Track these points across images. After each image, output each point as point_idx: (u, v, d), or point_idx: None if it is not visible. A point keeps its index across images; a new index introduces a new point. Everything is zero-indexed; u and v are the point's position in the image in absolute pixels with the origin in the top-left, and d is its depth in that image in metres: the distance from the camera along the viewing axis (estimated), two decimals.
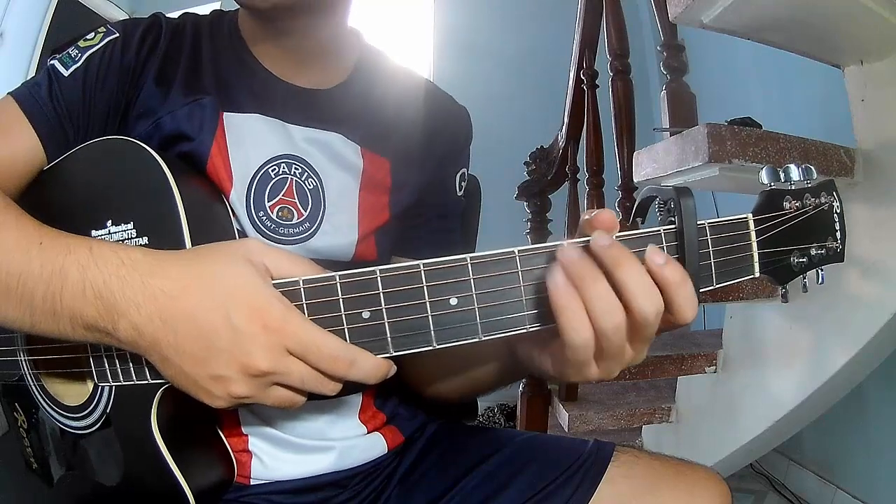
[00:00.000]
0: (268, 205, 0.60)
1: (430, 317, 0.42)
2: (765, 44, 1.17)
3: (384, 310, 0.42)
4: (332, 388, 0.44)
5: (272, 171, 0.61)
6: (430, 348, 0.42)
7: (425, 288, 0.41)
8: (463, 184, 0.73)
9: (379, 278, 0.42)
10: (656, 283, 0.40)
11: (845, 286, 1.15)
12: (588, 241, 0.41)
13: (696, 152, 1.04)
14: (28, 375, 0.61)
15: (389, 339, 0.42)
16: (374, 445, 0.68)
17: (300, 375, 0.43)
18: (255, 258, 0.44)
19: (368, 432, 0.68)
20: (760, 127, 1.20)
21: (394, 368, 0.45)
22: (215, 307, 0.41)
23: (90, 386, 0.55)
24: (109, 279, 0.42)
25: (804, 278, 0.48)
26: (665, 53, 1.51)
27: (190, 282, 0.42)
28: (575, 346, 0.40)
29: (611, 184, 1.66)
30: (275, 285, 0.43)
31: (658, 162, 1.20)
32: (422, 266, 0.42)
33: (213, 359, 0.42)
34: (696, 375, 1.47)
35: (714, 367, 1.46)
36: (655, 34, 1.85)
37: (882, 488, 1.57)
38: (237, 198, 0.60)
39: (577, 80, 1.82)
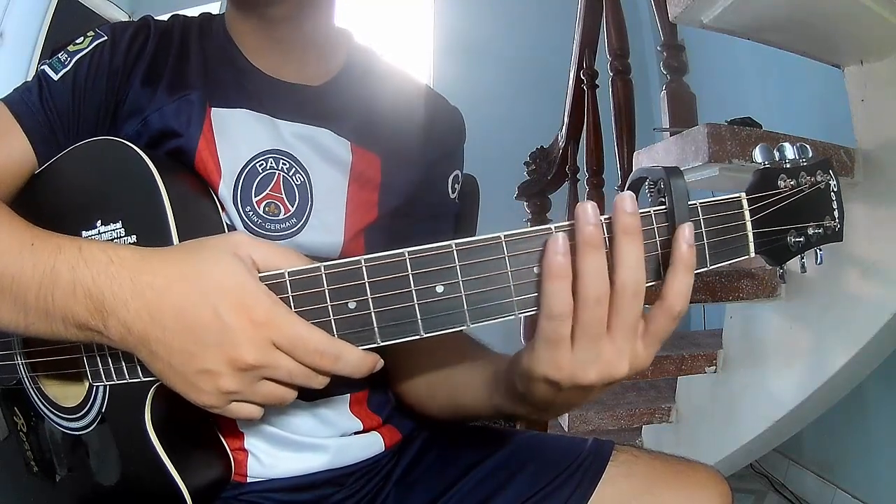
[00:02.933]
0: (255, 200, 0.60)
1: (416, 305, 0.41)
2: (765, 44, 1.17)
3: (370, 299, 0.42)
4: (321, 381, 0.44)
5: (259, 166, 0.61)
6: (418, 337, 0.42)
7: (411, 276, 0.41)
8: (457, 186, 0.73)
9: (364, 268, 0.42)
10: (673, 258, 0.40)
11: (845, 286, 1.15)
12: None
13: (696, 152, 1.04)
14: (25, 379, 0.61)
15: (376, 328, 0.42)
16: (371, 444, 0.68)
17: (288, 369, 0.43)
18: (242, 251, 0.44)
19: (365, 430, 0.68)
20: (760, 127, 1.20)
21: (380, 363, 0.45)
22: (203, 302, 0.42)
23: (86, 386, 0.55)
24: (98, 277, 0.43)
25: (802, 258, 0.47)
26: (665, 53, 1.51)
27: (177, 277, 0.42)
28: (553, 316, 0.40)
29: (611, 184, 1.66)
30: (261, 278, 0.43)
31: (658, 162, 1.20)
32: (406, 254, 0.41)
33: (201, 353, 0.42)
34: (696, 375, 1.47)
35: (714, 367, 1.45)
36: (655, 34, 1.86)
37: (882, 488, 1.57)
38: (226, 191, 0.60)
39: (577, 80, 1.82)
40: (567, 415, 1.48)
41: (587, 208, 0.40)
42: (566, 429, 1.48)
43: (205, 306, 0.42)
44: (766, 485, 1.93)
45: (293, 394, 0.45)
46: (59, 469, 0.60)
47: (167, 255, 0.44)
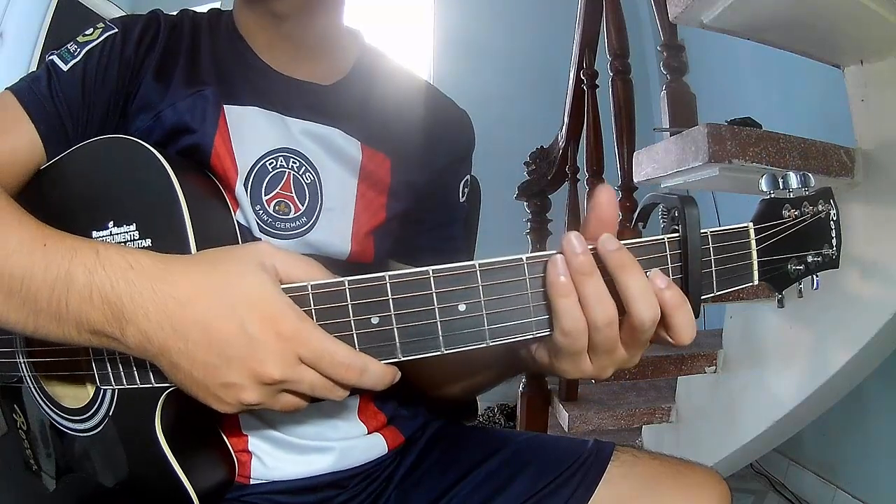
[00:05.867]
0: (265, 199, 0.60)
1: (438, 322, 0.42)
2: (765, 44, 1.17)
3: (393, 315, 0.42)
4: (341, 394, 0.44)
5: (269, 164, 0.61)
6: (439, 353, 0.43)
7: (434, 294, 0.42)
8: (466, 190, 0.73)
9: (388, 284, 0.42)
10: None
11: (845, 286, 1.15)
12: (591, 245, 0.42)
13: (696, 152, 1.04)
14: (27, 377, 0.60)
15: (398, 344, 0.43)
16: (374, 446, 0.68)
17: (311, 383, 0.43)
18: (267, 262, 0.43)
19: (369, 432, 0.68)
20: (760, 127, 1.20)
21: (398, 375, 0.45)
22: (228, 315, 0.41)
23: (91, 389, 0.55)
24: (117, 284, 0.42)
25: (800, 284, 0.50)
26: (665, 53, 1.51)
27: (201, 288, 0.42)
28: (568, 333, 0.42)
29: (611, 184, 1.64)
30: (284, 290, 0.43)
31: (658, 162, 1.20)
32: (431, 272, 0.42)
33: (225, 366, 0.41)
34: (696, 375, 1.47)
35: (714, 367, 1.46)
36: (655, 34, 1.85)
37: (882, 488, 1.57)
38: (242, 190, 0.59)
39: (577, 80, 1.81)
40: (567, 414, 1.48)
41: (571, 239, 0.41)
42: (566, 429, 1.49)
43: (230, 319, 0.41)
44: (766, 485, 1.94)
45: (306, 402, 0.45)
46: (60, 469, 0.60)
47: (190, 266, 0.43)
